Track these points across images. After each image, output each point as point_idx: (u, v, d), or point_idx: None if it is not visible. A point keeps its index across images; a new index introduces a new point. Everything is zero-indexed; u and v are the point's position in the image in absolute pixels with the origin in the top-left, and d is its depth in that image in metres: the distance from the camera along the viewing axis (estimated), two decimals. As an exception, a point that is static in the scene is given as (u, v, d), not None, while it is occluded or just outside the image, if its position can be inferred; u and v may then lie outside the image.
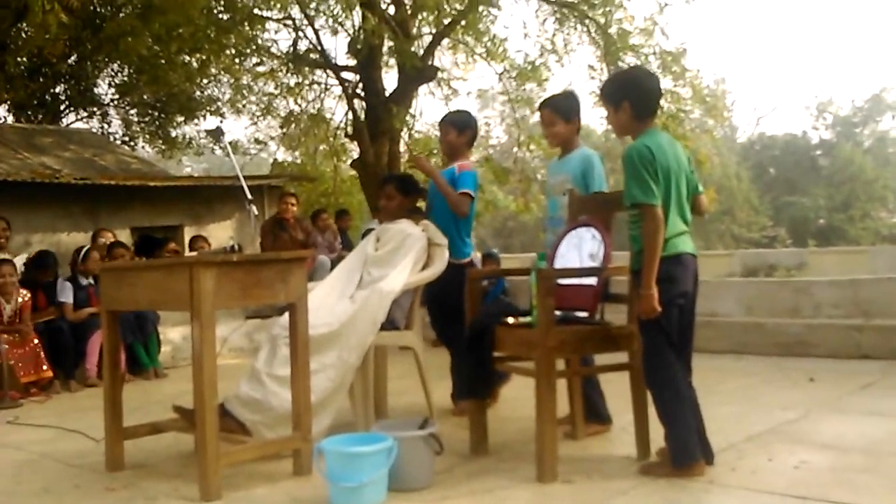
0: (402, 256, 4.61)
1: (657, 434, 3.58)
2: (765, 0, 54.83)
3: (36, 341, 6.53)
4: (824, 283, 7.00)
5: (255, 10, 11.59)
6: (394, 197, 4.88)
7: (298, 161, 15.96)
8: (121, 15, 12.61)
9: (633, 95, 3.48)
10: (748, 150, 39.31)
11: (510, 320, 3.88)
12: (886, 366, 5.83)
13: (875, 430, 4.19)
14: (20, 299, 6.67)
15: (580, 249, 3.99)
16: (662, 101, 11.86)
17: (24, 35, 12.70)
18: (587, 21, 12.32)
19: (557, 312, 3.61)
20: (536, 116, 15.58)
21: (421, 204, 5.36)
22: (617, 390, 4.54)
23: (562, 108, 4.43)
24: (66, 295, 7.09)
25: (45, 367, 6.51)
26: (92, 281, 7.20)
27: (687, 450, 3.37)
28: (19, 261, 7.36)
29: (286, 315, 3.93)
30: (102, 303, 4.08)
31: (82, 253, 7.41)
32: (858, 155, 35.46)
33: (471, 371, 3.92)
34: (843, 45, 68.32)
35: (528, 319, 3.77)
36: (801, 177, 36.04)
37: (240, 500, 3.31)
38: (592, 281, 3.88)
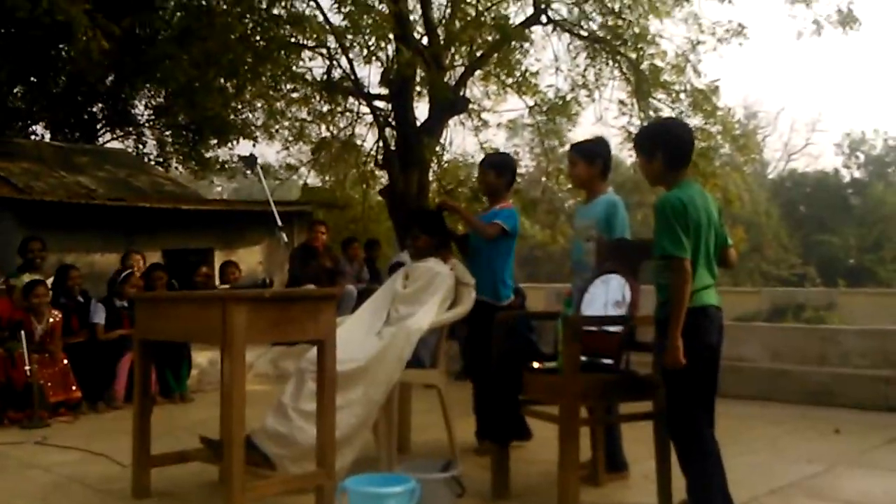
0: (430, 295, 4.65)
1: (679, 482, 3.55)
2: (798, 37, 54.49)
3: (65, 362, 6.62)
4: (852, 331, 6.95)
5: (291, 39, 11.77)
6: (418, 237, 4.95)
7: (328, 186, 16.10)
8: (160, 38, 12.86)
9: (666, 146, 3.51)
10: (779, 186, 39.01)
11: (536, 365, 3.91)
12: (914, 419, 5.77)
13: (900, 486, 4.16)
14: (51, 319, 6.77)
15: (607, 299, 4.01)
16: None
17: (64, 55, 12.96)
18: (619, 57, 12.37)
19: (583, 358, 3.63)
20: (565, 147, 15.63)
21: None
22: (639, 436, 4.55)
23: (585, 151, 4.50)
24: (99, 316, 7.19)
25: (73, 388, 6.59)
26: (126, 304, 7.30)
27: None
28: (52, 282, 7.49)
29: (314, 349, 3.99)
30: (136, 331, 4.16)
31: (123, 275, 7.50)
32: (891, 195, 35.09)
33: (497, 416, 3.94)
34: (878, 84, 67.86)
35: (553, 365, 3.80)
36: (831, 215, 35.68)
37: (263, 534, 3.35)
38: (618, 328, 3.91)
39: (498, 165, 5.17)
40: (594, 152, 4.48)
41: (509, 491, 3.95)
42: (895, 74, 67.50)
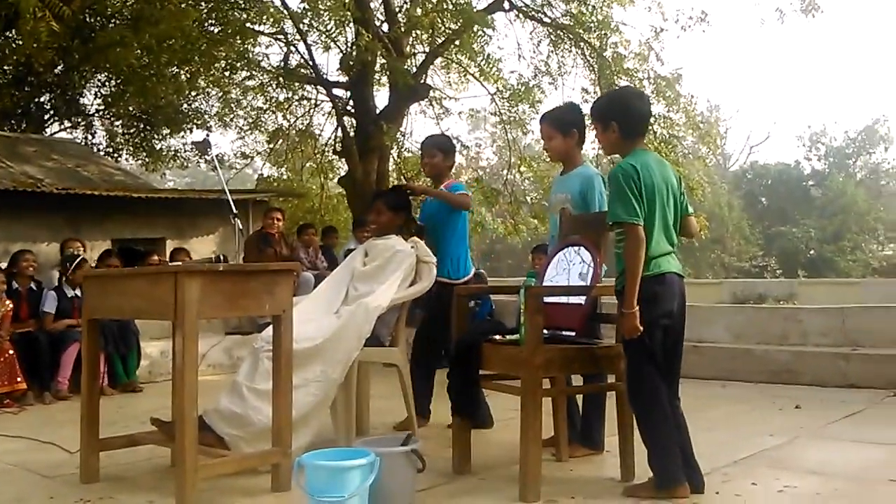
0: (391, 273, 4.57)
1: (642, 457, 3.53)
2: (761, 29, 55.34)
3: (11, 352, 6.39)
4: (813, 310, 7.02)
5: (248, 24, 11.57)
6: (382, 212, 4.83)
7: (284, 177, 15.92)
8: (111, 25, 12.57)
9: (621, 116, 3.50)
10: (740, 178, 39.53)
11: (497, 338, 3.83)
12: (873, 395, 5.81)
13: (860, 457, 4.18)
14: (2, 310, 6.55)
15: (569, 270, 3.96)
16: (656, 126, 11.98)
17: (12, 44, 12.61)
18: (582, 44, 12.36)
19: (545, 331, 3.57)
20: (527, 139, 15.65)
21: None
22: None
23: (559, 122, 4.36)
24: (50, 305, 6.99)
25: (19, 379, 6.37)
26: (78, 293, 7.10)
27: (669, 472, 3.33)
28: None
29: (269, 329, 3.88)
30: (85, 310, 4.00)
31: (76, 262, 7.29)
32: (850, 186, 35.72)
33: (457, 389, 3.86)
34: (838, 76, 69.12)
35: (515, 337, 3.73)
36: (792, 207, 36.23)
37: (217, 514, 3.23)
38: (581, 300, 3.85)
39: (445, 147, 5.25)
40: (568, 121, 4.35)
41: (471, 467, 3.87)
42: (855, 67, 68.89)
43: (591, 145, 14.85)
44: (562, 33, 12.58)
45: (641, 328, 3.28)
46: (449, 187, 5.04)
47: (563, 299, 3.87)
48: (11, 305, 6.68)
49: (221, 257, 4.36)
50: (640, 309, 3.28)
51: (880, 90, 67.70)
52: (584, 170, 4.35)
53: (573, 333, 3.83)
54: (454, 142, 5.54)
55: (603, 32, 12.17)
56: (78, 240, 8.19)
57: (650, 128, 12.15)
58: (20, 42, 11.28)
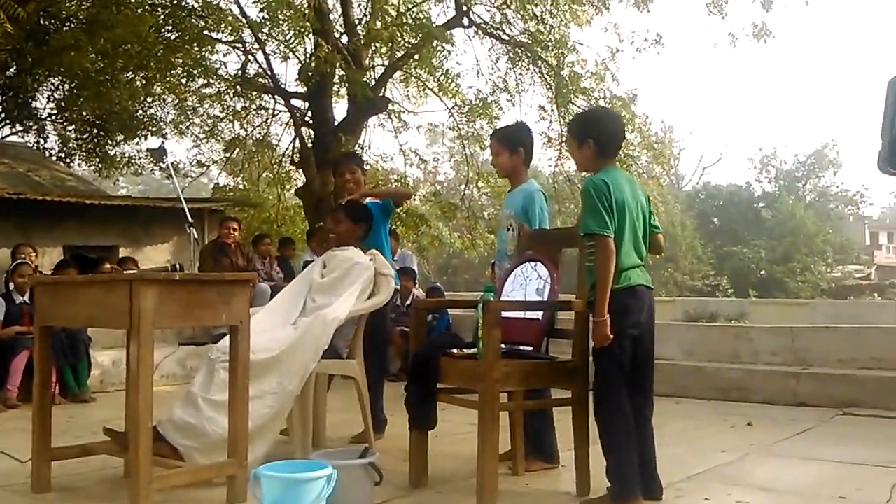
0: (349, 285, 4.56)
1: (598, 471, 3.58)
2: (714, 53, 56.55)
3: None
4: (763, 329, 7.13)
5: (206, 31, 11.46)
6: (341, 221, 4.82)
7: (241, 186, 15.78)
8: (66, 28, 12.36)
9: (597, 134, 3.59)
10: (693, 198, 40.12)
11: (455, 351, 3.84)
12: (822, 413, 5.92)
13: (810, 473, 4.25)
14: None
15: (525, 287, 3.99)
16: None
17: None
18: (540, 62, 12.48)
19: (502, 346, 3.59)
20: (485, 154, 15.74)
21: None
22: (559, 427, 4.54)
23: (507, 139, 4.42)
24: (-3, 311, 6.84)
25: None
26: (27, 300, 6.96)
27: (625, 484, 3.36)
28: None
29: (225, 339, 3.84)
30: (37, 318, 3.91)
31: (12, 265, 7.17)
32: (800, 209, 36.42)
33: (414, 402, 3.86)
34: (789, 101, 70.66)
35: (473, 351, 3.74)
36: (744, 227, 36.85)
37: (170, 527, 3.18)
38: (538, 315, 3.89)
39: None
40: (516, 139, 4.41)
41: (427, 480, 3.87)
42: (806, 92, 70.40)
43: (547, 163, 15.06)
44: (520, 51, 12.70)
45: (612, 336, 3.35)
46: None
47: (521, 314, 3.91)
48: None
49: (178, 266, 4.31)
50: (612, 320, 3.36)
51: (830, 115, 69.58)
52: (527, 186, 4.39)
53: (530, 348, 3.87)
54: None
55: (560, 51, 12.32)
56: (30, 246, 8.03)
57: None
58: (-29, 42, 11.05)
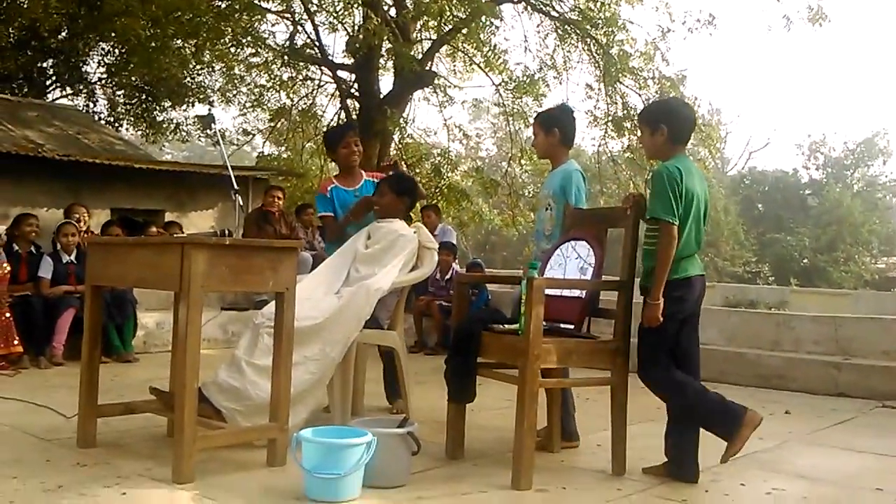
0: (392, 256, 4.58)
1: (632, 451, 3.65)
2: (766, 36, 55.52)
3: (8, 315, 6.41)
4: (806, 318, 7.05)
5: (255, 1, 11.52)
6: (385, 193, 4.83)
7: (284, 156, 15.90)
8: (119, -6, 12.51)
9: (670, 121, 3.65)
10: (738, 183, 39.50)
11: (496, 326, 3.86)
12: (862, 405, 5.86)
13: (847, 464, 4.23)
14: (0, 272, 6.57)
15: (565, 266, 3.99)
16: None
17: (18, 5, 12.54)
18: (588, 40, 12.37)
19: (544, 323, 3.60)
20: (529, 131, 15.70)
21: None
22: (591, 408, 4.57)
23: (543, 120, 4.44)
24: (46, 270, 7.01)
25: (15, 342, 6.39)
26: (73, 259, 7.11)
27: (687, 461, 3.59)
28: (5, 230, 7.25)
29: (270, 305, 3.90)
30: (88, 277, 4.00)
31: (58, 225, 7.32)
32: (847, 197, 35.65)
33: (454, 375, 3.89)
34: (840, 87, 69.19)
35: (514, 327, 3.76)
36: (788, 215, 36.20)
37: (213, 485, 3.25)
38: (580, 294, 3.89)
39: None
40: (551, 120, 4.41)
41: (464, 452, 3.91)
42: (858, 78, 68.99)
43: (591, 142, 14.91)
44: (569, 28, 12.59)
45: (661, 320, 3.47)
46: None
47: (563, 292, 3.91)
48: (9, 268, 6.68)
49: (227, 231, 4.37)
50: (666, 306, 3.47)
51: (882, 103, 67.91)
52: (566, 166, 4.38)
53: (571, 326, 3.87)
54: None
55: (610, 29, 12.20)
56: (82, 205, 8.17)
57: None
58: (27, 6, 11.24)
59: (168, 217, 9.90)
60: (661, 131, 3.64)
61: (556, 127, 4.36)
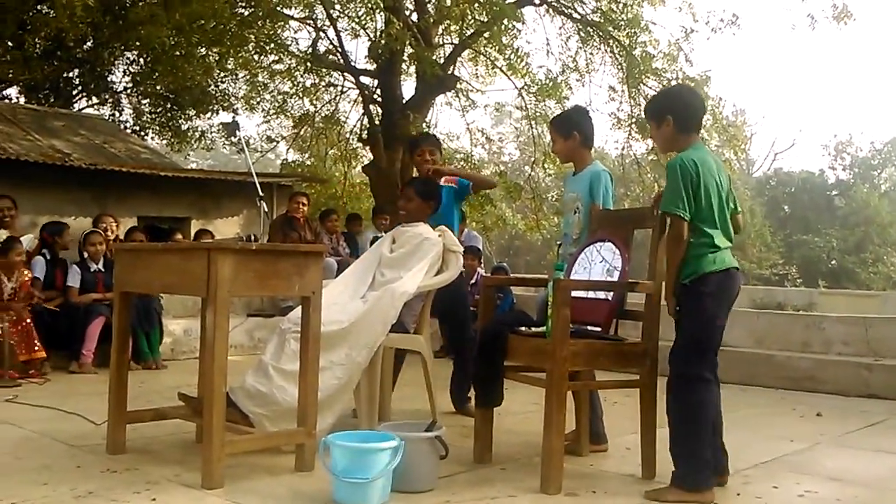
0: (417, 260, 4.58)
1: (663, 455, 3.56)
2: (790, 35, 55.01)
3: (28, 320, 6.44)
4: (836, 319, 6.97)
5: (278, 8, 11.59)
6: (412, 199, 4.83)
7: (308, 163, 15.97)
8: (142, 3, 12.62)
9: (675, 110, 3.52)
10: (763, 185, 39.16)
11: (523, 329, 3.84)
12: (893, 406, 5.79)
13: (880, 466, 4.18)
14: (20, 279, 6.62)
15: (590, 268, 3.97)
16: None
17: (44, 15, 12.68)
18: (611, 41, 12.33)
19: (571, 326, 3.57)
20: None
21: None
22: (620, 411, 4.53)
23: (559, 125, 4.41)
24: (73, 279, 7.09)
25: (37, 347, 6.41)
26: (101, 267, 7.18)
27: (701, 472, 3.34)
28: (25, 241, 7.31)
29: (296, 310, 3.91)
30: (116, 284, 4.03)
31: (84, 234, 7.40)
32: (874, 198, 35.26)
33: (481, 379, 3.87)
34: (866, 86, 68.46)
35: (541, 330, 3.74)
36: (815, 216, 35.83)
37: (242, 490, 3.26)
38: (607, 296, 3.86)
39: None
40: (568, 124, 4.38)
41: (491, 457, 3.89)
42: (884, 77, 68.28)
43: (614, 145, 14.85)
44: (591, 30, 12.55)
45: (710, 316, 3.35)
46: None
47: (591, 294, 3.88)
48: (30, 275, 6.75)
49: (253, 237, 4.39)
50: (710, 302, 3.35)
51: (908, 103, 67.00)
52: (593, 167, 4.35)
53: (599, 329, 3.84)
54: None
55: (632, 31, 12.14)
56: (111, 215, 8.25)
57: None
58: (53, 15, 11.35)
59: (194, 224, 9.96)
60: (667, 122, 3.51)
61: (574, 130, 4.33)
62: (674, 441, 3.40)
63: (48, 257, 7.13)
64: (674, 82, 12.07)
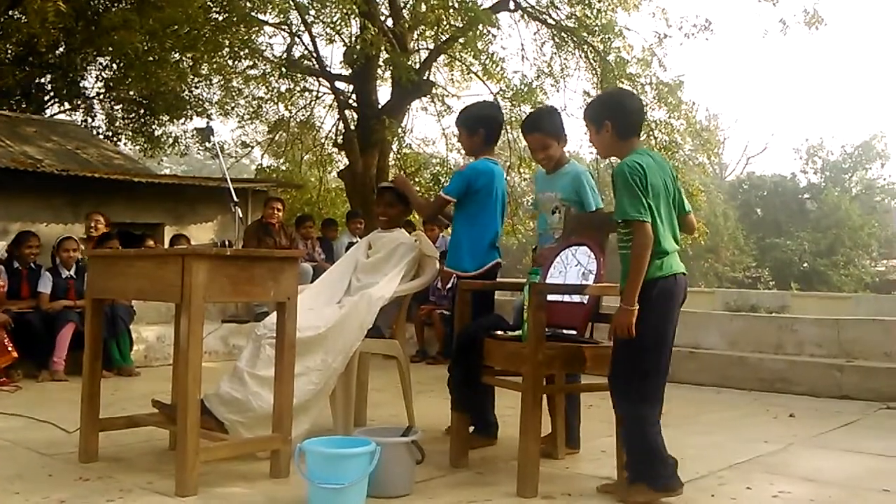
0: (394, 265, 4.58)
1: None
2: (763, 40, 55.44)
3: (-1, 327, 6.37)
4: (808, 321, 7.02)
5: (253, 13, 11.55)
6: (394, 205, 4.78)
7: (283, 168, 15.91)
8: (115, 8, 12.53)
9: (613, 114, 3.46)
10: (736, 188, 39.50)
11: (499, 333, 3.85)
12: (866, 406, 5.84)
13: (853, 466, 4.20)
14: (-5, 286, 6.56)
15: (565, 273, 3.97)
16: (656, 132, 12.03)
17: (16, 23, 12.56)
18: (585, 47, 12.40)
19: (547, 329, 3.58)
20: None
21: None
22: (594, 413, 4.54)
23: (553, 130, 4.34)
24: (45, 285, 7.00)
25: (10, 348, 6.32)
26: (73, 274, 7.11)
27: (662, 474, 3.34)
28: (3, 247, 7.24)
29: (271, 316, 3.89)
30: (88, 290, 3.99)
31: (58, 239, 7.31)
32: (846, 201, 35.65)
33: (457, 384, 3.88)
34: (837, 91, 69.34)
35: (517, 334, 3.75)
36: (787, 219, 36.19)
37: (216, 497, 3.24)
38: (583, 299, 3.87)
39: (466, 122, 4.63)
40: (562, 126, 4.37)
41: (468, 461, 3.89)
42: (854, 82, 69.12)
43: (588, 150, 14.93)
44: (566, 35, 12.63)
45: (634, 327, 3.22)
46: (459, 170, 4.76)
47: (567, 298, 3.89)
48: (5, 284, 6.66)
49: (227, 243, 4.36)
50: (655, 309, 3.25)
51: (878, 106, 68.03)
52: (574, 168, 4.34)
53: (574, 332, 3.86)
54: (482, 107, 4.93)
55: (606, 36, 12.20)
56: (101, 214, 8.16)
57: (651, 133, 12.23)
58: (25, 21, 11.25)
59: (168, 230, 9.90)
60: (605, 127, 3.43)
61: (565, 132, 4.34)
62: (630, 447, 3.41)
63: (15, 266, 7.01)
64: (648, 87, 12.17)
